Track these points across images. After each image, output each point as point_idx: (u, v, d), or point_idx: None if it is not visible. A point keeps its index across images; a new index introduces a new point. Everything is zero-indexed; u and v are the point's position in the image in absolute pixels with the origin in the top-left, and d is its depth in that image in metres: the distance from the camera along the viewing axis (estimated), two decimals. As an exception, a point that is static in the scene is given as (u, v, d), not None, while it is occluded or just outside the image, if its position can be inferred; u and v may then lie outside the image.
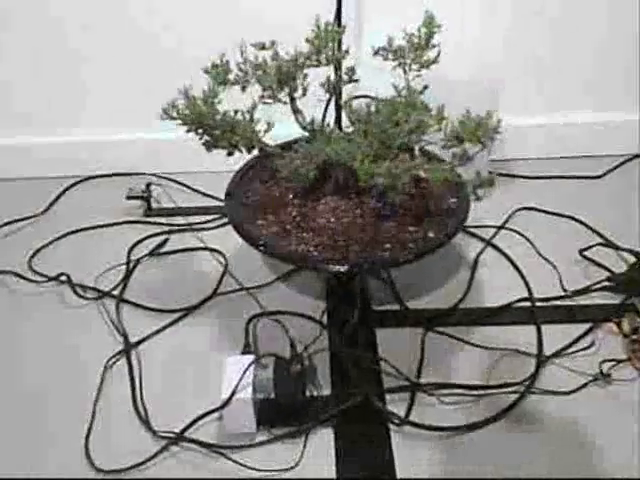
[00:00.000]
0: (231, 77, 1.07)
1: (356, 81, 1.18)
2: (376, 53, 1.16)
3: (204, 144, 1.10)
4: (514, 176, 1.66)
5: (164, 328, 1.23)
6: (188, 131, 1.09)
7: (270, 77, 1.03)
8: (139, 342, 1.20)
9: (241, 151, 1.10)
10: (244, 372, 1.02)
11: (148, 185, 1.59)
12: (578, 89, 1.67)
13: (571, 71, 1.65)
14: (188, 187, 1.66)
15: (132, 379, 1.15)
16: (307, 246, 1.07)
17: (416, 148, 1.02)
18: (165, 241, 1.47)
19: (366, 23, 1.51)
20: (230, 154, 1.10)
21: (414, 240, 1.08)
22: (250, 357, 1.05)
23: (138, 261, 1.40)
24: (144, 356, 1.18)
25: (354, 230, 1.10)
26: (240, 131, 1.06)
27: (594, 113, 1.69)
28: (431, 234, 1.09)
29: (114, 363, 1.17)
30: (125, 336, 1.22)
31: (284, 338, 1.16)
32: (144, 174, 1.68)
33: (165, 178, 1.68)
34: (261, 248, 1.09)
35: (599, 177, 1.66)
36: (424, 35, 1.15)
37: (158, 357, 1.17)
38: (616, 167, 1.69)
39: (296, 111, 1.15)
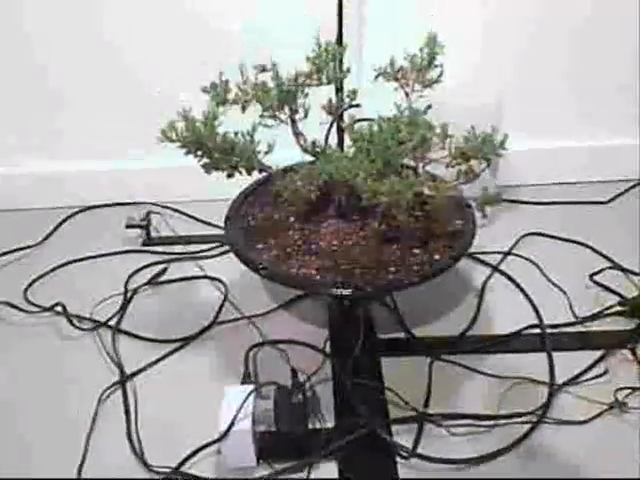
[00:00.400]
0: (230, 97, 1.05)
1: (358, 106, 1.16)
2: (378, 76, 1.15)
3: (203, 166, 1.08)
4: (520, 202, 1.65)
5: (161, 359, 1.20)
6: (187, 153, 1.07)
7: (270, 96, 1.01)
8: (135, 373, 1.17)
9: (241, 173, 1.08)
10: (243, 402, 0.98)
11: (147, 214, 1.58)
12: (583, 114, 1.66)
13: (576, 95, 1.65)
14: (188, 215, 1.65)
15: (127, 411, 1.11)
16: (309, 269, 1.05)
17: (420, 166, 0.98)
18: (164, 270, 1.45)
19: (367, 44, 1.52)
20: (230, 176, 1.08)
21: (419, 263, 1.05)
22: (250, 387, 1.01)
23: (136, 291, 1.38)
24: (140, 388, 1.14)
25: (357, 253, 1.08)
26: (240, 152, 1.03)
27: (600, 138, 1.69)
28: (437, 256, 1.07)
29: (109, 395, 1.14)
30: (120, 367, 1.19)
31: (286, 368, 1.12)
32: (143, 203, 1.67)
33: (165, 207, 1.67)
34: (261, 272, 1.06)
35: (606, 202, 1.65)
36: (426, 55, 1.14)
37: (155, 389, 1.14)
38: (623, 192, 1.67)
39: (297, 134, 1.14)
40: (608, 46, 1.58)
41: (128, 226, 1.54)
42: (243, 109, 1.06)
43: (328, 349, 1.19)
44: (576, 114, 1.66)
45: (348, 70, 1.11)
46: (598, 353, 1.16)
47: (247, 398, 0.98)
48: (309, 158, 1.15)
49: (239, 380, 1.10)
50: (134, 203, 1.67)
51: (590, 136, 1.68)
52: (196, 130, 1.04)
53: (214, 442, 1.00)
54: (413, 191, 0.91)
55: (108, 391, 1.14)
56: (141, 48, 1.55)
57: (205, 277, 1.42)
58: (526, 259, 1.43)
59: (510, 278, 1.38)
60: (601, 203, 1.64)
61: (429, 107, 1.09)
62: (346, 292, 1.01)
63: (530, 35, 1.57)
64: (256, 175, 1.15)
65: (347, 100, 1.15)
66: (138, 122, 1.53)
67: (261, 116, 1.05)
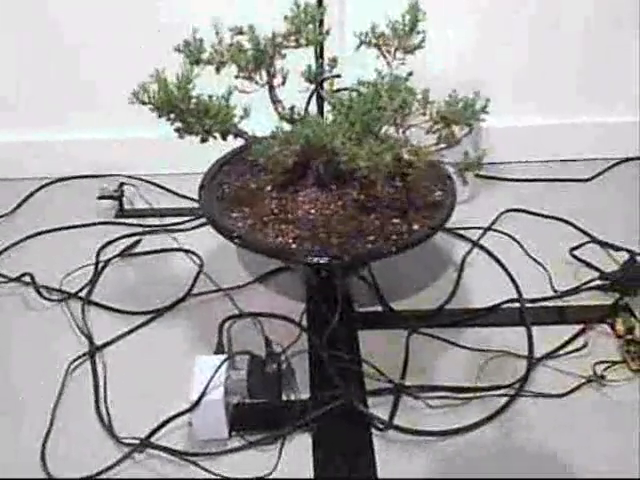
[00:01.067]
0: (205, 57, 1.02)
1: (338, 76, 1.14)
2: (360, 45, 1.13)
3: (176, 130, 1.04)
4: (501, 179, 1.64)
5: (132, 331, 1.18)
6: (160, 116, 1.03)
7: (246, 56, 0.97)
8: (105, 345, 1.15)
9: (215, 137, 1.04)
10: (215, 372, 0.95)
11: (121, 185, 1.54)
12: (569, 90, 1.65)
13: (562, 71, 1.63)
14: (162, 188, 1.62)
15: (96, 383, 1.08)
16: (285, 238, 1.03)
17: (400, 132, 0.96)
18: (137, 242, 1.42)
19: (349, 8, 1.48)
20: (204, 140, 1.04)
21: (398, 233, 1.04)
22: (222, 357, 0.99)
23: (107, 262, 1.35)
24: (110, 359, 1.12)
25: (335, 222, 1.06)
26: (214, 115, 0.99)
27: (584, 115, 1.67)
28: (416, 227, 1.05)
29: (78, 366, 1.11)
30: (90, 338, 1.16)
31: (261, 340, 1.10)
32: (117, 175, 1.63)
33: (139, 179, 1.64)
34: (236, 241, 1.03)
35: (588, 180, 1.64)
36: (408, 22, 1.12)
37: (125, 361, 1.12)
38: (605, 170, 1.66)
39: (275, 101, 1.11)
40: (594, 22, 1.57)
41: (101, 197, 1.51)
42: (217, 70, 1.02)
43: (305, 322, 1.17)
44: (559, 90, 1.64)
45: (327, 32, 1.08)
46: (577, 327, 1.15)
47: (219, 368, 0.96)
48: (287, 126, 1.11)
49: (211, 351, 1.08)
50: (107, 175, 1.63)
51: (573, 113, 1.67)
52: (169, 92, 1.00)
53: (184, 412, 0.97)
54: (392, 154, 0.88)
55: (76, 362, 1.11)
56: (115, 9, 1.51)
57: (179, 250, 1.39)
58: (506, 235, 1.42)
59: (490, 253, 1.37)
60: (582, 181, 1.63)
61: (410, 74, 1.07)
62: (323, 261, 0.99)
63: (517, 7, 1.54)
64: (232, 143, 1.12)
65: (327, 69, 1.13)
66: (111, 91, 1.48)
67: (236, 77, 1.02)
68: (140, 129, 1.50)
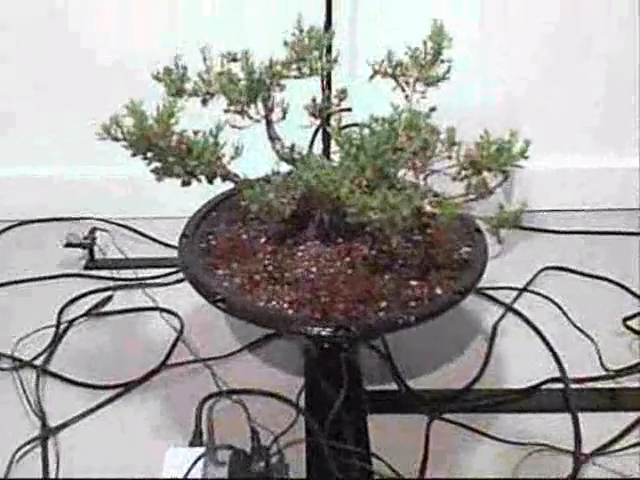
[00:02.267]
0: (189, 87, 0.99)
1: (348, 110, 1.12)
2: (374, 75, 1.11)
3: (153, 171, 1.01)
4: (538, 230, 1.62)
5: (94, 410, 1.14)
6: (134, 155, 1.00)
7: (238, 86, 0.94)
8: (60, 427, 1.10)
9: (200, 180, 1.01)
10: (189, 470, 0.89)
11: (92, 231, 1.53)
12: (619, 129, 1.63)
13: (613, 108, 1.61)
14: (140, 234, 1.61)
15: (45, 476, 1.02)
16: (280, 302, 0.99)
17: (420, 178, 0.91)
18: (108, 299, 1.41)
19: (361, 32, 1.49)
20: (185, 184, 1.01)
21: (417, 298, 1.00)
22: (199, 450, 0.95)
23: (71, 323, 1.33)
24: (65, 445, 1.08)
25: (341, 284, 1.02)
26: (199, 155, 0.95)
27: (632, 161, 1.65)
28: (439, 291, 1.01)
29: (26, 453, 1.06)
30: (43, 418, 1.11)
31: (247, 425, 1.06)
32: (88, 218, 1.63)
33: (113, 223, 1.63)
34: (220, 305, 0.98)
35: (638, 234, 1.61)
36: (431, 49, 1.10)
37: (84, 447, 1.07)
38: (657, 222, 1.65)
39: (274, 138, 1.09)
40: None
41: (68, 245, 1.49)
42: (204, 102, 1.00)
43: (302, 403, 1.14)
44: (609, 128, 1.63)
45: (336, 60, 1.07)
46: (634, 415, 1.11)
47: (195, 464, 0.90)
48: (286, 167, 1.09)
49: (188, 438, 1.03)
50: (77, 218, 1.63)
51: (621, 158, 1.66)
52: (146, 126, 0.96)
53: (151, 520, 0.90)
54: (411, 207, 0.84)
55: (25, 448, 1.06)
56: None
57: (157, 309, 1.37)
58: (545, 297, 1.40)
59: (526, 320, 1.34)
60: (633, 234, 1.61)
61: (433, 109, 1.04)
62: (325, 332, 0.94)
63: (555, 38, 1.54)
64: (220, 186, 1.09)
65: (335, 101, 1.12)
66: (83, 121, 1.48)
67: (226, 111, 0.99)
68: (116, 166, 1.45)
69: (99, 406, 1.14)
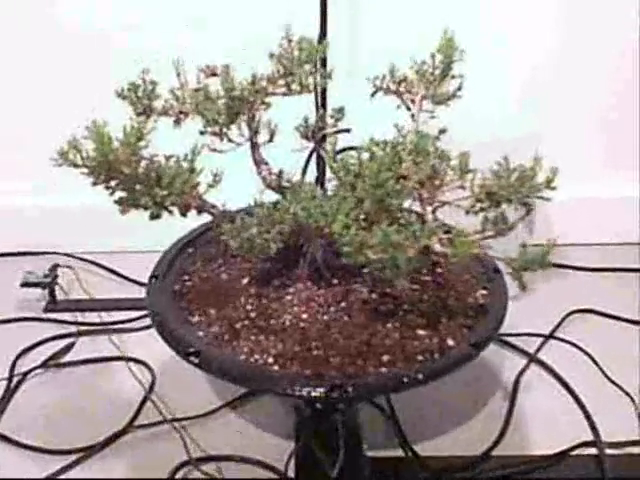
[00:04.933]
0: (158, 105, 0.97)
1: (347, 131, 1.12)
2: (375, 92, 1.11)
3: (117, 202, 0.99)
4: (565, 267, 1.62)
5: (51, 478, 1.12)
6: (95, 183, 0.97)
7: (216, 105, 0.91)
8: None
9: (171, 212, 0.98)
10: None
11: (53, 267, 1.52)
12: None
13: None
14: (109, 270, 1.62)
15: None
16: (264, 356, 0.96)
17: (428, 211, 0.88)
18: (69, 346, 1.40)
19: (361, 43, 1.49)
20: (154, 217, 0.98)
21: (425, 351, 0.97)
22: None
23: (25, 376, 1.32)
24: None
25: (336, 333, 1.00)
26: (169, 183, 0.93)
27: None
28: (451, 342, 0.99)
29: None
30: None
31: None
32: (50, 253, 1.63)
33: (78, 258, 1.63)
34: (192, 359, 0.95)
35: None
36: (440, 64, 1.09)
37: None
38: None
39: (259, 162, 1.07)
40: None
41: (25, 284, 1.48)
42: (177, 122, 0.99)
43: (292, 472, 1.12)
44: (635, 160, 1.64)
45: (329, 76, 1.05)
46: None
47: None
48: (273, 197, 1.07)
49: None
50: (36, 253, 1.64)
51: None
52: (108, 151, 0.93)
53: None
54: (417, 247, 0.80)
55: None
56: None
57: (124, 358, 1.36)
58: (574, 345, 1.39)
59: (553, 372, 1.33)
60: None
61: (443, 131, 1.04)
62: (317, 393, 0.90)
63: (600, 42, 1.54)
64: (196, 219, 1.07)
65: (331, 121, 1.11)
66: (43, 143, 1.47)
67: (202, 133, 0.97)
68: (80, 194, 1.44)
69: (56, 474, 1.12)
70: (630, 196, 1.66)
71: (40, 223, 1.63)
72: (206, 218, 1.14)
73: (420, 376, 0.92)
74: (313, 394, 0.90)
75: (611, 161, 1.64)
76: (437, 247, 0.84)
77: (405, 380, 0.92)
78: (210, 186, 1.00)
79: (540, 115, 1.56)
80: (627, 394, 1.26)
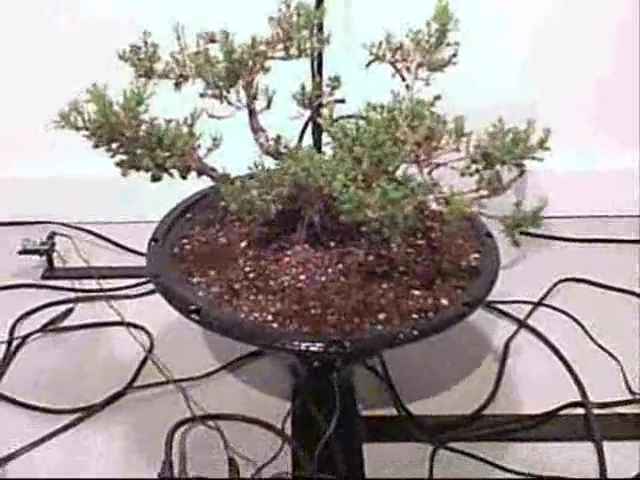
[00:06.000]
0: (159, 67, 0.98)
1: (342, 101, 1.12)
2: (371, 62, 1.11)
3: (119, 164, 1.00)
4: (555, 238, 1.64)
5: (52, 436, 1.13)
6: (97, 145, 0.99)
7: (216, 68, 0.92)
8: (11, 456, 1.09)
9: (172, 175, 0.99)
10: None
11: (51, 236, 1.53)
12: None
13: (632, 107, 1.63)
14: (106, 239, 1.62)
15: None
16: (263, 314, 0.97)
17: (424, 172, 0.90)
18: (68, 312, 1.40)
19: (356, 12, 1.49)
20: (156, 179, 1.00)
21: (420, 310, 0.99)
22: None
23: (25, 339, 1.32)
24: (16, 477, 1.06)
25: (333, 293, 1.01)
26: (170, 145, 0.94)
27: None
28: (444, 302, 1.00)
29: None
30: None
31: (225, 455, 1.06)
32: (47, 223, 1.63)
33: (75, 228, 1.63)
34: (194, 316, 0.97)
35: None
36: (435, 32, 1.10)
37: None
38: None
39: (257, 129, 1.08)
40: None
41: (23, 252, 1.49)
42: (177, 85, 1.00)
43: (289, 429, 1.13)
44: (625, 131, 1.64)
45: (327, 40, 1.06)
46: None
47: None
48: (271, 163, 1.08)
49: (156, 469, 1.03)
50: (33, 223, 1.64)
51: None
52: (110, 114, 0.95)
53: None
54: (415, 203, 0.82)
55: None
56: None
57: (123, 323, 1.36)
58: (563, 312, 1.41)
59: (542, 337, 1.34)
60: None
61: (438, 97, 1.04)
62: (315, 348, 0.92)
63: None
64: (195, 184, 1.09)
65: (327, 90, 1.12)
66: (36, 113, 1.47)
67: (202, 95, 0.98)
68: (77, 163, 1.48)
69: (56, 432, 1.13)
70: (622, 168, 1.67)
71: (37, 193, 1.63)
72: (204, 184, 1.17)
73: (415, 333, 0.94)
74: (312, 349, 0.92)
75: (605, 133, 1.65)
76: (433, 205, 0.86)
77: (400, 336, 0.94)
78: (209, 150, 1.01)
79: (536, 86, 1.57)
80: (613, 357, 1.27)
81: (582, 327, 1.35)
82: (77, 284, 1.46)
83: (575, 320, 1.37)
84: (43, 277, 1.49)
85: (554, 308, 1.41)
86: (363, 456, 1.09)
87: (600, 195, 1.69)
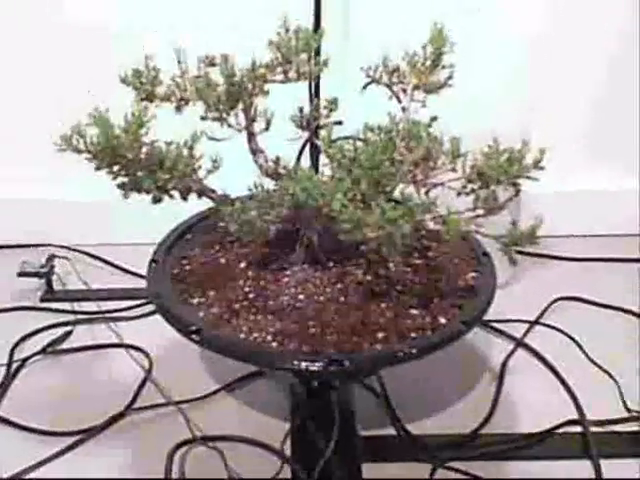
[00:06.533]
0: (161, 91, 0.98)
1: (339, 123, 1.12)
2: (368, 84, 1.12)
3: (120, 187, 1.00)
4: (551, 257, 1.64)
5: (52, 459, 1.12)
6: (98, 168, 0.99)
7: (216, 91, 0.93)
8: (12, 478, 1.08)
9: (172, 197, 1.00)
10: None
11: (50, 258, 1.53)
12: (635, 149, 1.65)
13: (628, 126, 1.64)
14: (105, 262, 1.62)
15: None
16: (263, 334, 0.97)
17: (421, 193, 0.90)
18: (67, 334, 1.39)
19: (354, 36, 1.50)
20: (157, 201, 1.00)
21: (418, 328, 0.99)
22: None
23: (25, 362, 1.32)
24: None
25: (332, 313, 1.01)
26: (171, 167, 0.95)
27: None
28: (442, 320, 1.00)
29: None
30: None
31: (225, 475, 1.06)
32: (46, 245, 1.63)
33: (74, 250, 1.63)
34: (194, 337, 0.96)
35: None
36: (431, 55, 1.11)
37: None
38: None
39: (256, 150, 1.08)
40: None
41: (22, 274, 1.49)
42: (178, 109, 1.00)
43: (288, 450, 1.13)
44: (619, 153, 1.65)
45: (325, 63, 1.06)
46: None
47: None
48: (271, 184, 1.08)
49: None
50: (33, 245, 1.64)
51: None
52: (112, 136, 0.95)
53: None
54: (412, 222, 0.82)
55: None
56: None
57: (122, 345, 1.36)
58: (560, 330, 1.41)
59: (539, 356, 1.34)
60: None
61: (434, 119, 1.04)
62: (315, 367, 0.92)
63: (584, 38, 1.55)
64: (197, 205, 1.10)
65: (325, 112, 1.12)
66: (38, 136, 1.47)
67: (203, 118, 0.98)
68: (77, 185, 1.48)
69: (56, 455, 1.12)
70: (618, 188, 1.68)
71: (36, 216, 1.62)
72: (203, 206, 1.17)
73: (414, 350, 0.93)
74: (311, 368, 0.91)
75: (600, 154, 1.65)
76: (431, 225, 0.86)
77: (400, 354, 0.93)
78: (209, 172, 1.01)
79: (531, 108, 1.57)
80: (610, 375, 1.27)
81: (579, 345, 1.35)
82: (76, 306, 1.46)
83: (572, 338, 1.37)
84: (42, 300, 1.49)
85: (551, 327, 1.41)
86: (362, 476, 1.08)
87: (595, 214, 1.69)
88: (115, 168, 0.99)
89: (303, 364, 0.92)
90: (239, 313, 1.01)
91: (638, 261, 1.62)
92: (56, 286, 1.51)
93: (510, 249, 0.88)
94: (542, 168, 0.87)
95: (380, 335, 0.97)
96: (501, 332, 1.39)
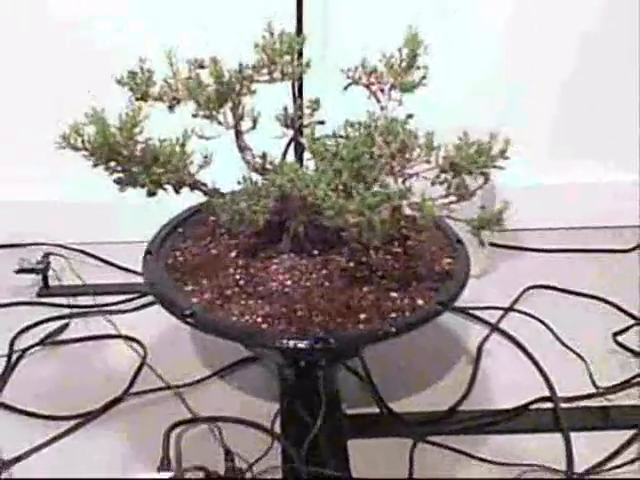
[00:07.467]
0: (154, 91, 1.02)
1: (322, 123, 1.15)
2: (348, 86, 1.15)
3: (116, 182, 1.03)
4: (523, 249, 1.67)
5: (53, 441, 1.14)
6: (96, 165, 1.02)
7: (206, 91, 0.98)
8: (15, 460, 1.10)
9: (166, 190, 1.03)
10: None
11: (46, 256, 1.53)
12: (605, 143, 1.67)
13: (597, 121, 1.66)
14: (99, 259, 1.62)
15: None
16: (253, 317, 1.00)
17: (399, 182, 0.95)
18: (64, 327, 1.40)
19: (334, 40, 1.53)
20: (151, 194, 1.03)
21: (398, 309, 1.02)
22: (168, 475, 0.97)
23: (24, 352, 1.33)
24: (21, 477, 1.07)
25: (318, 297, 1.04)
26: (165, 162, 0.99)
27: (620, 174, 1.70)
28: (420, 301, 1.04)
29: None
30: None
31: (220, 452, 1.07)
32: (42, 244, 1.63)
33: (69, 248, 1.64)
34: (189, 320, 1.00)
35: (627, 251, 1.67)
36: (406, 57, 1.14)
37: None
38: (646, 238, 1.70)
39: (244, 148, 1.12)
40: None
41: (20, 271, 1.49)
42: (171, 108, 1.03)
43: (278, 428, 1.15)
44: (595, 143, 1.67)
45: (308, 64, 1.09)
46: (627, 433, 1.14)
47: None
48: (258, 179, 1.11)
49: (154, 468, 1.04)
50: (29, 244, 1.64)
51: (609, 173, 1.71)
52: (109, 135, 0.99)
53: None
54: (390, 207, 0.87)
55: None
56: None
57: (117, 336, 1.37)
58: (532, 316, 1.44)
59: (513, 339, 1.38)
60: (621, 251, 1.66)
61: (410, 116, 1.08)
62: (302, 345, 0.96)
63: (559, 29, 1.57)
64: (188, 200, 1.13)
65: (308, 111, 1.15)
66: (35, 137, 1.47)
67: (194, 116, 1.02)
68: (72, 186, 1.50)
69: (57, 437, 1.14)
70: (590, 181, 1.70)
71: (32, 216, 1.62)
72: (194, 201, 1.20)
73: (394, 329, 0.97)
74: (299, 346, 0.95)
75: (572, 147, 1.68)
76: (407, 211, 0.91)
77: (380, 333, 0.98)
78: (201, 167, 1.04)
79: (502, 103, 1.59)
80: (579, 356, 1.30)
81: (550, 330, 1.38)
82: (71, 300, 1.47)
83: (543, 323, 1.40)
84: (39, 295, 1.49)
85: (524, 313, 1.44)
86: (348, 451, 1.10)
87: (566, 207, 1.72)
88: (112, 164, 1.02)
89: (291, 342, 0.95)
90: (230, 298, 1.04)
91: (608, 252, 1.65)
92: (52, 282, 1.51)
93: (479, 231, 0.93)
94: (507, 158, 0.92)
95: (363, 316, 1.01)
96: (478, 318, 1.42)
